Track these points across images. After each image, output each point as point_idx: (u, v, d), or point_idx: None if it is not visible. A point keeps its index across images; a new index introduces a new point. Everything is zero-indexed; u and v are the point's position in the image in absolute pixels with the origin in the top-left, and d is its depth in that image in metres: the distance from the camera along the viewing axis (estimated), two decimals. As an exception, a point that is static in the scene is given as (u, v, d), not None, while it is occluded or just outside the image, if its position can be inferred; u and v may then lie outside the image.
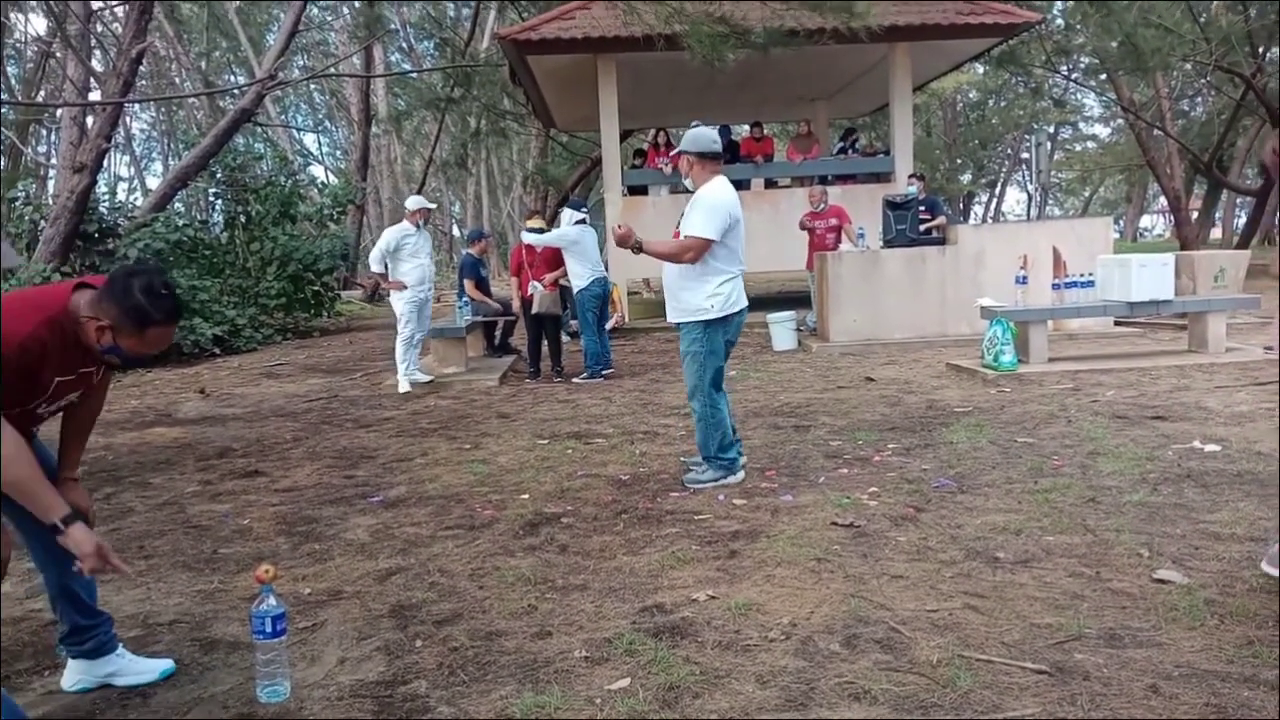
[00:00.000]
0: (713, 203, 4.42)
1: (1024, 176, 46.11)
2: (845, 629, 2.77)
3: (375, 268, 8.19)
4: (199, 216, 16.71)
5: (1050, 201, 48.12)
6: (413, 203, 8.36)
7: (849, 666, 2.53)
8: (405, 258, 8.05)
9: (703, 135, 4.55)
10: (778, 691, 2.41)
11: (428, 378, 8.24)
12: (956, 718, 2.23)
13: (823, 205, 10.39)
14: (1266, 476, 4.09)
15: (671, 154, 4.65)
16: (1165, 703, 2.25)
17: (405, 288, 8.02)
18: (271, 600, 2.50)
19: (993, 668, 2.47)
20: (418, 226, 8.14)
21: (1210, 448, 4.63)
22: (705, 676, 2.51)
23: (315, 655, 2.80)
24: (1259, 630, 2.60)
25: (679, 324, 4.58)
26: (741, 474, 4.58)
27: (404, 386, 8.02)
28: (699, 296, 4.44)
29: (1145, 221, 53.11)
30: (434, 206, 9.15)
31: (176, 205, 15.79)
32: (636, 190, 13.59)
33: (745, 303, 4.56)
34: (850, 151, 14.33)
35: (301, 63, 31.55)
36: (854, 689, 2.40)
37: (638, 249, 4.45)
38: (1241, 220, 27.69)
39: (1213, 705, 2.22)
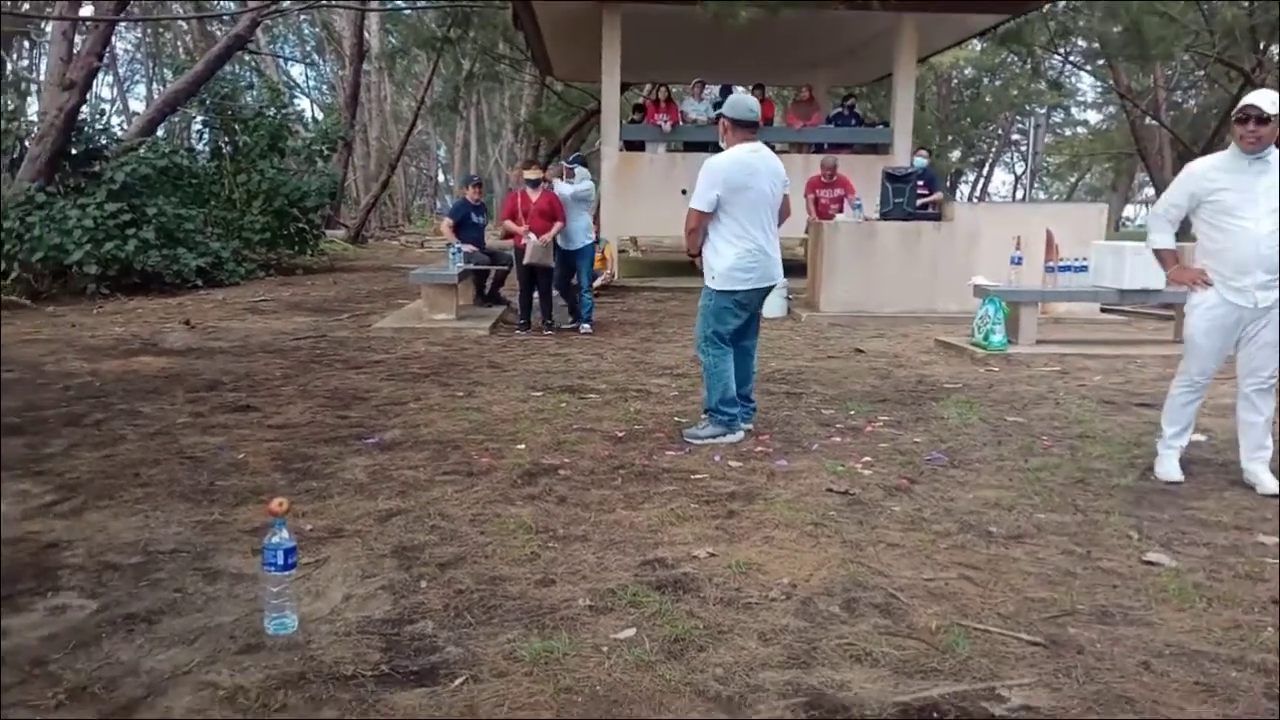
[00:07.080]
0: (705, 169, 4.49)
1: (1012, 158, 46.13)
2: (844, 592, 2.83)
3: (1157, 242, 3.97)
4: (183, 144, 16.37)
5: (1036, 185, 48.19)
6: None
7: (849, 629, 2.59)
8: (1217, 217, 3.71)
9: (740, 101, 4.66)
10: (781, 649, 2.46)
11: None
12: (956, 683, 2.29)
13: (833, 177, 10.56)
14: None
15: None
16: (1156, 679, 2.32)
17: (1208, 284, 3.80)
18: (284, 533, 2.51)
19: (990, 637, 2.54)
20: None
21: (1196, 437, 4.70)
22: (709, 630, 2.56)
23: (320, 591, 2.82)
24: (1246, 615, 2.68)
25: None
26: (740, 434, 4.62)
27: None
28: (717, 262, 4.56)
29: (1128, 211, 53.33)
30: None
31: (159, 131, 15.47)
32: (633, 146, 13.45)
33: (764, 280, 4.59)
34: (852, 120, 14.23)
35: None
36: (855, 650, 2.46)
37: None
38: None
39: (1202, 684, 2.30)
